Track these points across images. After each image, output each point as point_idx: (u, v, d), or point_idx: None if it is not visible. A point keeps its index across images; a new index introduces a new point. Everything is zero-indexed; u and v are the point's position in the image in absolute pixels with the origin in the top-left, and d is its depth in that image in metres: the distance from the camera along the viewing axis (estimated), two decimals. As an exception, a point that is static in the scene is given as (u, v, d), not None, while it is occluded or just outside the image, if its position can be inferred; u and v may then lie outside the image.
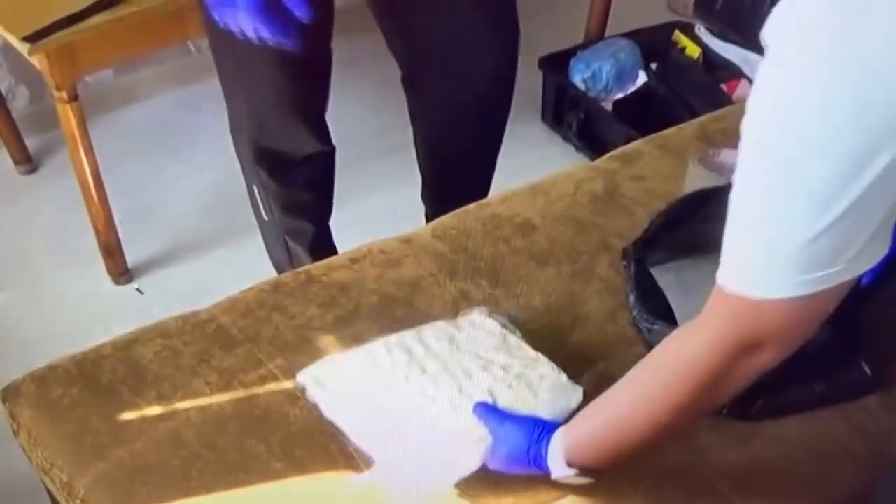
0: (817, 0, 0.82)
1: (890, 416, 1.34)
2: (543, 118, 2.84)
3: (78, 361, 1.40)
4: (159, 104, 2.92)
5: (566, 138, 2.79)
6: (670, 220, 1.49)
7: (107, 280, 2.39)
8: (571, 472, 1.15)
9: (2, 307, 2.35)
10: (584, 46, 2.82)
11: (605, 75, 2.70)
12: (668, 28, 2.84)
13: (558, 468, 1.16)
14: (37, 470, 1.36)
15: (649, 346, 1.33)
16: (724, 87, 2.66)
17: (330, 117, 1.92)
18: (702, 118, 1.90)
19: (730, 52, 2.71)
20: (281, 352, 1.41)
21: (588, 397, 1.27)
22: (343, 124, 2.12)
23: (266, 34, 1.38)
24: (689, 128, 1.85)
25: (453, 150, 2.05)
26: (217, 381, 1.37)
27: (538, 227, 1.61)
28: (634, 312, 1.42)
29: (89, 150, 2.19)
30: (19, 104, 2.73)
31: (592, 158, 2.03)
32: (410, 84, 1.95)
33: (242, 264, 2.16)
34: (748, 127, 0.89)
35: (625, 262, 1.49)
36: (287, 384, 1.36)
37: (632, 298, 1.43)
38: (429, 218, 2.10)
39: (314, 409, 1.31)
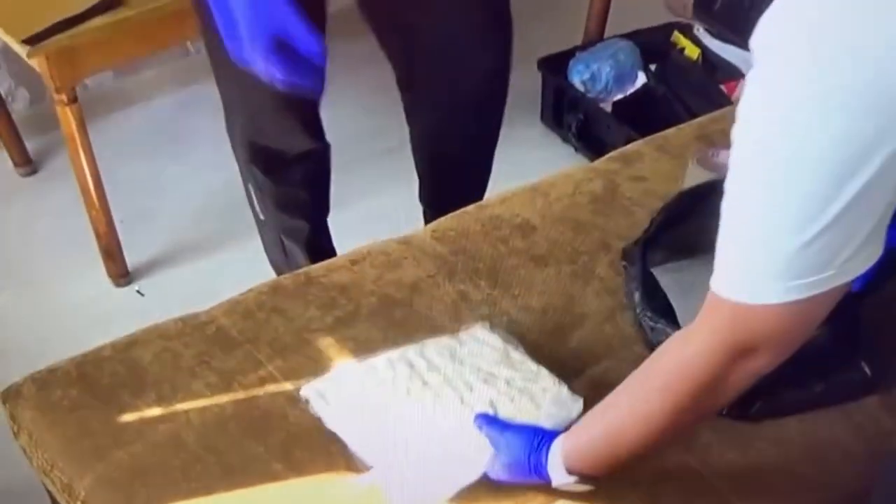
0: (807, 8, 0.82)
1: (890, 416, 1.34)
2: (543, 119, 2.85)
3: (78, 363, 1.40)
4: (159, 106, 2.92)
5: (565, 139, 2.79)
6: (670, 218, 1.49)
7: (107, 282, 2.40)
8: (572, 479, 1.15)
9: (2, 309, 2.36)
10: (583, 47, 2.82)
11: (605, 76, 2.70)
12: (668, 29, 2.84)
13: (558, 476, 1.15)
14: (37, 472, 1.36)
15: (651, 345, 1.33)
16: (723, 87, 2.66)
17: (328, 119, 1.92)
18: (701, 119, 1.90)
19: (729, 52, 2.71)
20: (280, 353, 1.41)
21: (587, 397, 1.27)
22: (341, 127, 2.12)
23: (279, 76, 1.34)
24: (688, 128, 1.85)
25: (449, 150, 2.05)
26: (217, 383, 1.37)
27: (537, 228, 1.61)
28: (638, 310, 1.41)
29: (89, 152, 2.19)
30: (19, 106, 2.74)
31: (592, 159, 2.03)
32: (404, 84, 1.95)
33: (242, 266, 2.16)
34: (739, 134, 0.89)
35: (624, 263, 1.49)
36: (287, 386, 1.36)
37: (637, 296, 1.42)
38: (427, 218, 2.10)
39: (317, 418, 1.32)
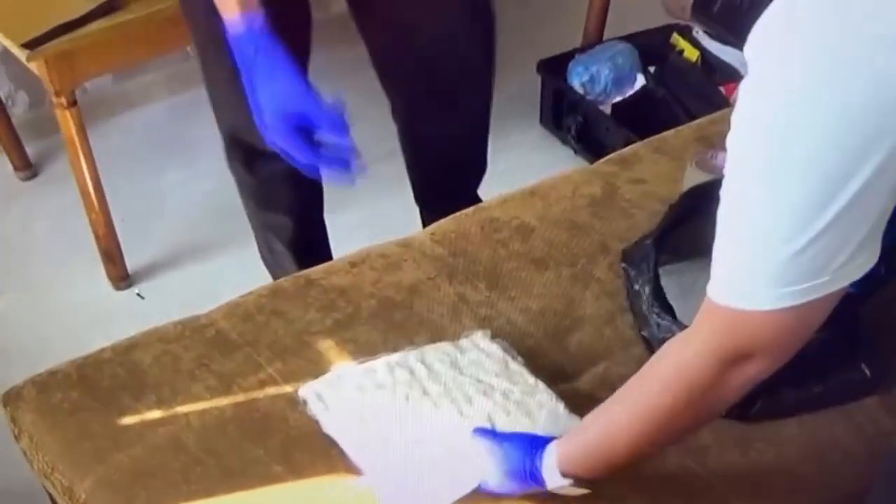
0: (799, 16, 0.82)
1: (890, 416, 1.34)
2: (542, 122, 2.84)
3: (78, 366, 1.40)
4: (158, 110, 2.92)
5: (564, 142, 2.79)
6: (673, 219, 1.48)
7: (107, 285, 2.40)
8: (566, 482, 1.15)
9: (2, 312, 2.36)
10: (582, 50, 2.82)
11: (604, 78, 2.70)
12: (666, 31, 2.84)
13: (553, 478, 1.15)
14: (38, 474, 1.36)
15: (654, 343, 1.33)
16: (722, 89, 2.66)
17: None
18: (700, 120, 1.90)
19: (728, 54, 2.71)
20: (280, 356, 1.41)
21: (585, 399, 1.27)
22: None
23: (299, 160, 1.42)
24: (687, 130, 1.85)
25: (432, 142, 2.02)
26: (216, 386, 1.37)
27: (536, 231, 1.61)
28: (646, 306, 1.39)
29: (89, 156, 2.19)
30: (19, 110, 2.74)
31: (591, 162, 2.03)
32: (383, 74, 1.91)
33: (242, 269, 2.16)
34: (734, 141, 0.89)
35: (624, 265, 1.49)
36: (286, 388, 1.36)
37: (648, 290, 1.41)
38: (423, 218, 2.09)
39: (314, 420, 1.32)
